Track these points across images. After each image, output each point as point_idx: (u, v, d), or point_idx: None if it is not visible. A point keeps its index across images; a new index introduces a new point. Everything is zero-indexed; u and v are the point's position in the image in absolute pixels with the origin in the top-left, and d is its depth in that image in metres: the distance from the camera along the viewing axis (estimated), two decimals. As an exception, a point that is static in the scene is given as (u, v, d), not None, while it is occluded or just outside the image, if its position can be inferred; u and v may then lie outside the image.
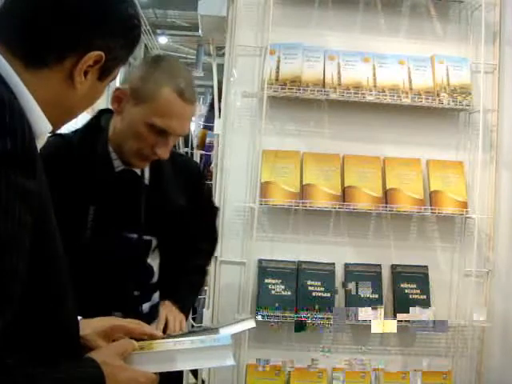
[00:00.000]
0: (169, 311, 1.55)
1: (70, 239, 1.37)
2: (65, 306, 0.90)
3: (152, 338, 1.16)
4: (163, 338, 1.17)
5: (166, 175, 1.56)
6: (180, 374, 1.70)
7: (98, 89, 0.96)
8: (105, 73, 0.94)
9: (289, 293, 2.51)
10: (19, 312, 0.78)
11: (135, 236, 1.48)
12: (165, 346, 1.06)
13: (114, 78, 1.00)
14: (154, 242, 1.53)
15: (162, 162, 1.53)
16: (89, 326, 0.97)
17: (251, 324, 1.42)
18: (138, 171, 1.50)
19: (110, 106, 1.49)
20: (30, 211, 0.78)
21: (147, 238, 1.51)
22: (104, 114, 1.53)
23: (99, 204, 1.41)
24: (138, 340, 1.09)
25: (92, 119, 1.54)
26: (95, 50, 0.88)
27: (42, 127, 0.87)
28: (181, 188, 1.59)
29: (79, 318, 1.01)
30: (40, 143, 0.88)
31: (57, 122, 0.94)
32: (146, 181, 1.53)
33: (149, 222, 1.49)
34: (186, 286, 1.67)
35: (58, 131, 1.08)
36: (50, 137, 1.57)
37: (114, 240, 1.44)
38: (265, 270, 2.54)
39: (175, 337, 1.21)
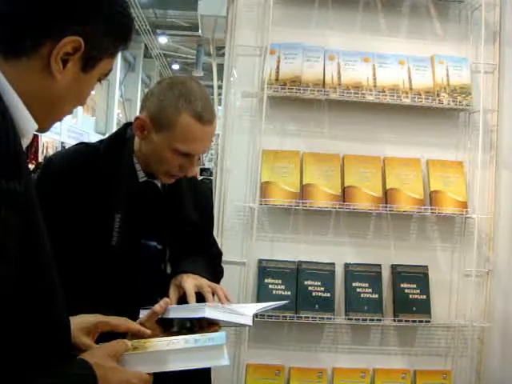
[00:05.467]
0: (197, 282, 1.43)
1: (97, 245, 1.38)
2: (55, 306, 0.89)
3: (139, 334, 1.16)
4: (154, 336, 1.16)
5: (182, 190, 1.61)
6: (208, 369, 1.64)
7: (85, 82, 0.91)
8: (89, 63, 0.89)
9: (289, 293, 2.51)
10: (9, 314, 0.78)
11: (153, 244, 1.52)
12: (158, 346, 1.05)
13: (107, 74, 0.96)
14: (168, 253, 1.56)
15: (180, 178, 1.59)
16: (72, 323, 0.96)
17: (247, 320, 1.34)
18: (158, 183, 1.55)
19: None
20: (16, 213, 0.77)
21: (163, 247, 1.54)
22: (129, 125, 1.57)
23: (124, 212, 1.44)
24: (131, 339, 1.08)
25: (118, 131, 1.59)
26: (71, 35, 0.84)
27: (28, 126, 0.85)
28: (193, 205, 1.63)
29: None
30: (25, 142, 0.86)
31: (44, 119, 0.90)
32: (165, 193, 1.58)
33: (165, 232, 1.54)
34: (204, 261, 1.59)
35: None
36: (76, 145, 1.58)
37: (136, 247, 1.47)
38: (265, 269, 2.54)
39: (169, 335, 1.20)
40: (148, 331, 1.18)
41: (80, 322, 1.12)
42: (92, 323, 1.15)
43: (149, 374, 1.02)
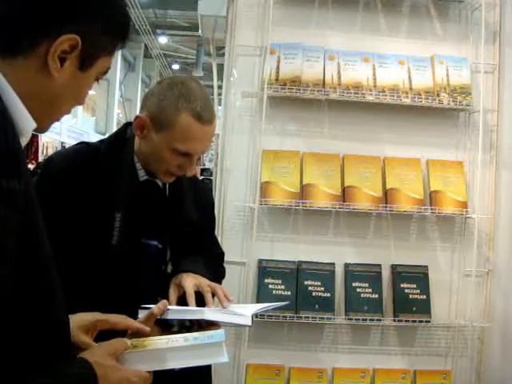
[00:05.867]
0: (197, 282, 1.43)
1: (98, 244, 1.38)
2: (55, 306, 0.89)
3: (138, 332, 1.16)
4: (154, 335, 1.16)
5: (183, 189, 1.61)
6: (208, 368, 1.64)
7: (82, 80, 0.91)
8: (86, 61, 0.89)
9: (289, 293, 2.51)
10: (9, 314, 0.78)
11: (154, 243, 1.52)
12: (158, 345, 1.06)
13: (105, 72, 0.95)
14: (169, 253, 1.56)
15: (181, 177, 1.58)
16: (71, 321, 0.96)
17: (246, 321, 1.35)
18: (160, 183, 1.55)
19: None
20: (16, 213, 0.77)
21: (163, 246, 1.54)
22: (129, 125, 1.57)
23: (125, 211, 1.44)
24: (130, 337, 1.08)
25: (118, 131, 1.59)
26: (68, 33, 0.84)
27: (26, 125, 0.85)
28: (194, 205, 1.63)
29: None
30: (24, 141, 0.86)
31: (42, 118, 0.90)
32: (166, 192, 1.58)
33: (165, 232, 1.54)
34: (204, 260, 1.58)
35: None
36: (76, 144, 1.58)
37: (136, 246, 1.47)
38: (265, 269, 2.54)
39: (170, 333, 1.20)
40: (148, 329, 1.18)
41: (78, 321, 1.12)
42: (91, 321, 1.14)
43: (149, 372, 1.02)
